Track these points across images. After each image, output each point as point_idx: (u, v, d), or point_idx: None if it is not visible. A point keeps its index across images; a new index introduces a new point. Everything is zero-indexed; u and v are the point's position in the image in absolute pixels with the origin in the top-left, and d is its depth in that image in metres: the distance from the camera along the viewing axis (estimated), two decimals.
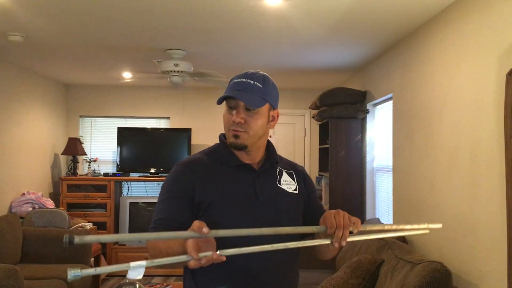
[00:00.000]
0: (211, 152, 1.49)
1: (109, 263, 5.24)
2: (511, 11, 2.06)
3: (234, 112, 1.38)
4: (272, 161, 1.48)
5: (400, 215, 3.50)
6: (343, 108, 4.40)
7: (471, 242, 2.36)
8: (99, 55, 4.18)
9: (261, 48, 3.86)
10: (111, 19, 3.08)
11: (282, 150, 5.77)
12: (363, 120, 4.53)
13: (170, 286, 4.03)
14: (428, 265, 2.35)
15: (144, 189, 5.91)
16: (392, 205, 3.69)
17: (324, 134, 4.89)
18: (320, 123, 5.03)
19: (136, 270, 0.99)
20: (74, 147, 5.52)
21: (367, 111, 4.46)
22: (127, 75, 5.09)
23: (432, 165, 2.87)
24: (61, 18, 3.06)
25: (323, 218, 1.25)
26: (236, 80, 1.41)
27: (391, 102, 3.80)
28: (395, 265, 2.71)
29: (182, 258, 1.06)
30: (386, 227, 1.31)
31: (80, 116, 6.11)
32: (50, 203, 4.98)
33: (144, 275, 1.01)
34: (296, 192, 1.48)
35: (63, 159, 5.92)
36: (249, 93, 1.37)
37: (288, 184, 1.48)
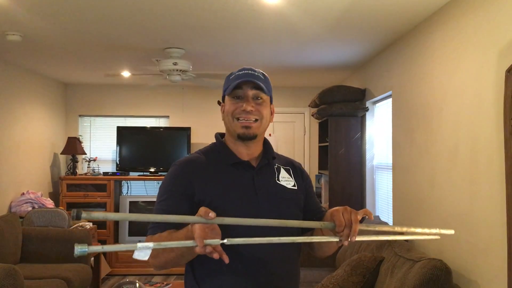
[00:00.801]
0: (208, 151, 1.49)
1: (109, 263, 5.23)
2: (511, 8, 2.06)
3: (242, 102, 1.39)
4: (269, 156, 1.49)
5: (400, 213, 3.50)
6: (342, 106, 4.40)
7: (471, 239, 2.36)
8: (98, 54, 4.18)
9: (260, 46, 3.85)
10: (110, 18, 3.08)
11: (281, 148, 5.77)
12: (363, 118, 4.53)
13: (170, 285, 4.03)
14: (428, 263, 2.35)
15: (143, 188, 5.91)
16: (392, 202, 3.69)
17: (323, 132, 4.89)
18: (320, 121, 5.02)
19: (142, 251, 1.00)
20: (73, 147, 5.52)
21: (366, 109, 4.45)
22: (126, 74, 5.08)
23: (431, 163, 2.87)
24: (60, 17, 3.06)
25: (330, 214, 1.23)
26: (239, 73, 1.42)
27: (390, 99, 3.80)
28: (395, 263, 2.71)
29: (188, 243, 1.08)
30: (396, 229, 1.28)
31: (80, 115, 6.10)
32: (49, 203, 4.98)
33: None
34: (295, 188, 1.48)
35: (62, 159, 5.92)
36: (258, 80, 1.40)
37: (286, 180, 1.48)
